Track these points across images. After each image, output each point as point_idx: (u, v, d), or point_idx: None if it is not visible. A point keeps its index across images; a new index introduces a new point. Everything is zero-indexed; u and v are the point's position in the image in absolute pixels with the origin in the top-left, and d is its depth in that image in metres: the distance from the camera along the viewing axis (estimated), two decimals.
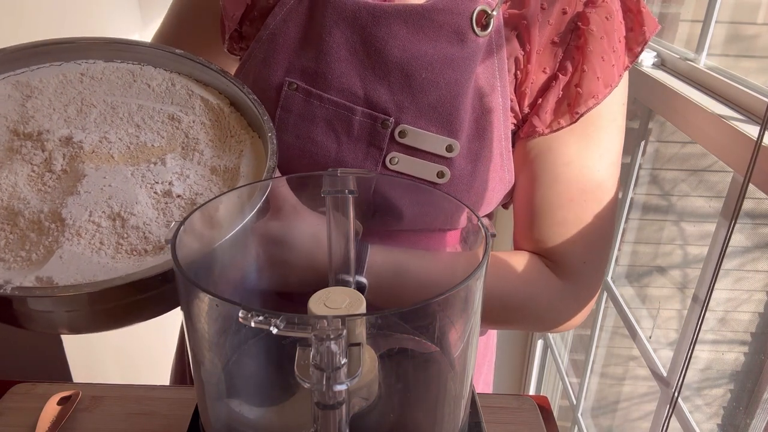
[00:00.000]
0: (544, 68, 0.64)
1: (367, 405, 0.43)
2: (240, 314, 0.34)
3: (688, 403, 1.16)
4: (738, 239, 1.32)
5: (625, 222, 1.29)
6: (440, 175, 0.63)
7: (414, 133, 0.62)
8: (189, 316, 0.41)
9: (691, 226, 1.52)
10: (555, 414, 0.72)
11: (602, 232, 0.68)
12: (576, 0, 0.63)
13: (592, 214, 0.66)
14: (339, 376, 0.34)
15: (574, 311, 0.69)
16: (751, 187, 0.72)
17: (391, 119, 0.62)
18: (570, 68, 0.63)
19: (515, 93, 0.65)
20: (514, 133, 0.67)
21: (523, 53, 0.64)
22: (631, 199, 1.27)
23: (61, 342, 1.14)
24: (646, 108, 1.17)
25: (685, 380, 0.77)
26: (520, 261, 0.67)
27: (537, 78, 0.64)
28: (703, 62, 1.01)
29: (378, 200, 0.62)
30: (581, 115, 0.63)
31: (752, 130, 0.79)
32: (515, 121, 0.66)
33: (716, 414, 1.47)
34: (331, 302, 0.42)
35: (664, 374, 1.06)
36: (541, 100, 0.64)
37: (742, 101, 0.87)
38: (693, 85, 0.99)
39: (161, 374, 1.62)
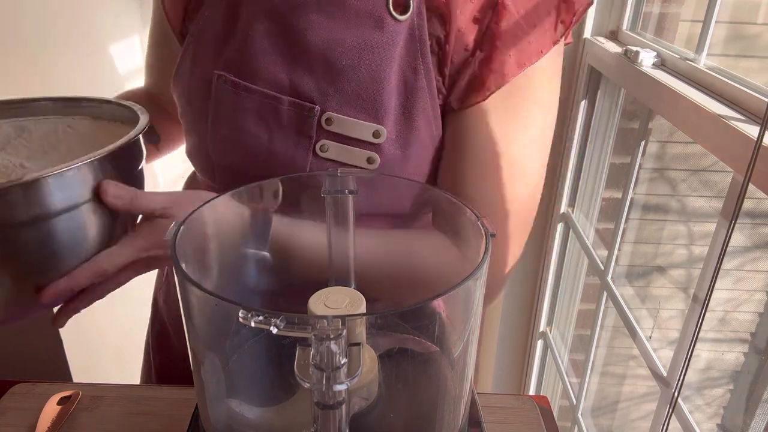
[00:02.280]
0: (466, 46, 0.62)
1: (366, 405, 0.43)
2: (240, 314, 0.34)
3: (689, 403, 1.16)
4: (738, 239, 1.32)
5: (625, 222, 1.29)
6: (370, 160, 0.63)
7: (340, 120, 0.62)
8: (189, 316, 0.41)
9: (692, 226, 1.52)
10: (555, 414, 0.72)
11: (515, 212, 0.66)
12: None
13: (505, 193, 0.65)
14: (339, 376, 0.34)
15: (506, 257, 0.69)
16: (751, 187, 0.72)
17: (317, 107, 0.62)
18: (487, 45, 0.61)
19: (439, 73, 0.63)
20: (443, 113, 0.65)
21: (444, 33, 0.62)
22: (631, 199, 1.27)
23: (60, 342, 1.14)
24: (646, 108, 1.17)
25: (685, 380, 0.77)
26: (429, 243, 0.65)
27: (458, 57, 0.62)
28: (703, 62, 1.00)
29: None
30: (491, 93, 0.61)
31: (752, 130, 0.79)
32: (442, 102, 0.64)
33: (716, 414, 1.47)
34: (331, 302, 0.42)
35: (664, 374, 1.06)
36: (457, 76, 0.62)
37: (742, 101, 0.87)
38: (693, 85, 0.99)
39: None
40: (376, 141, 0.62)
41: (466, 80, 0.62)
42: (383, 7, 0.60)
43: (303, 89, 0.62)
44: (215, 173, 0.69)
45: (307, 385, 0.34)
